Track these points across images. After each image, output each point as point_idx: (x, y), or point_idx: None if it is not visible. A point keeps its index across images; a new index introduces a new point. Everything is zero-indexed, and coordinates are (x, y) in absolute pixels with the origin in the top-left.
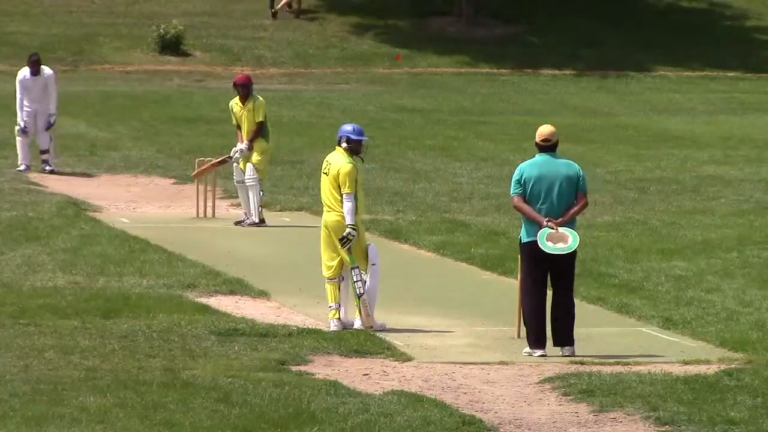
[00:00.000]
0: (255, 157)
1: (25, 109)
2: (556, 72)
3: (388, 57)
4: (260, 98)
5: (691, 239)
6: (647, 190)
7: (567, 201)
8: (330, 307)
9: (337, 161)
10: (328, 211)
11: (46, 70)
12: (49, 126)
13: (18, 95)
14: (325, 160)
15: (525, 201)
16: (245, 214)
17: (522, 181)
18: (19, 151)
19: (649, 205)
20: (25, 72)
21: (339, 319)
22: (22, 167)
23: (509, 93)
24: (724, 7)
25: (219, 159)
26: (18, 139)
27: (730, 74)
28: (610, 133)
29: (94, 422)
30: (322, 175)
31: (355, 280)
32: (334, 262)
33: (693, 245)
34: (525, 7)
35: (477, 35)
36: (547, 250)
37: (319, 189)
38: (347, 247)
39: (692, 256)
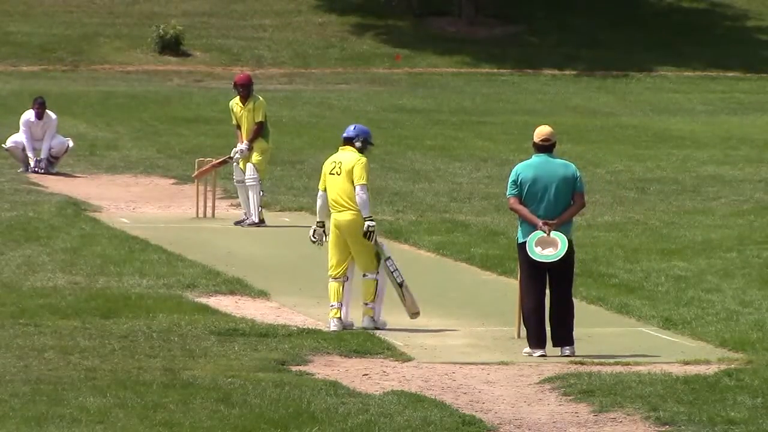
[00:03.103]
0: (255, 157)
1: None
2: (556, 72)
3: (388, 57)
4: (261, 98)
5: (691, 239)
6: (647, 190)
7: (564, 202)
8: (332, 306)
9: (350, 158)
10: (341, 211)
11: (51, 114)
12: (43, 162)
13: (25, 136)
14: (330, 162)
15: (521, 202)
16: (245, 214)
17: (518, 183)
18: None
19: (649, 205)
20: (29, 114)
21: (339, 318)
22: (22, 168)
23: (509, 93)
24: (725, 8)
25: (219, 159)
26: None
27: (730, 74)
28: (610, 133)
29: (94, 422)
30: (331, 176)
31: (391, 270)
32: (342, 263)
33: (693, 245)
34: (525, 7)
35: (477, 35)
36: (534, 257)
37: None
38: (373, 239)
39: (692, 256)
